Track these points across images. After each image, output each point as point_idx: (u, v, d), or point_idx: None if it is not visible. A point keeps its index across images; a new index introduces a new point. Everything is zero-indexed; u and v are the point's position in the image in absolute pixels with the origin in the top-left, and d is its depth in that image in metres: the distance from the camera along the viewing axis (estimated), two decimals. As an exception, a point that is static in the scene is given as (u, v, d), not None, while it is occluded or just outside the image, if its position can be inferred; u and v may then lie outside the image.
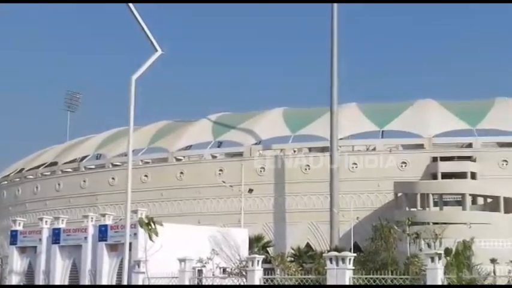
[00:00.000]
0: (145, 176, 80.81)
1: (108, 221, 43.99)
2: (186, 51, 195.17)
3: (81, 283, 42.85)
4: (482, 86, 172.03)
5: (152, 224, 37.61)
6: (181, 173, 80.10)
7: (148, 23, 37.54)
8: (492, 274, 43.68)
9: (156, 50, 37.41)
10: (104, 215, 44.85)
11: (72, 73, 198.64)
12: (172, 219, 63.51)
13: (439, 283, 27.86)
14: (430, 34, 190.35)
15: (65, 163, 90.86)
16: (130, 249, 37.15)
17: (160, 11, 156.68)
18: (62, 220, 46.27)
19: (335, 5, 68.48)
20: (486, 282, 31.71)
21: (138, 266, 37.28)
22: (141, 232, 38.20)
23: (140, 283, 36.70)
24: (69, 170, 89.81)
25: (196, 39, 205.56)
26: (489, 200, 70.58)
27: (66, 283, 43.98)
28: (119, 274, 40.63)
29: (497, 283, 31.85)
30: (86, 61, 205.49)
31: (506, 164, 71.71)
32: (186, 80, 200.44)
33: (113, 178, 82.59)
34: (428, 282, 27.97)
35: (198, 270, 36.70)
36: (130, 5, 36.72)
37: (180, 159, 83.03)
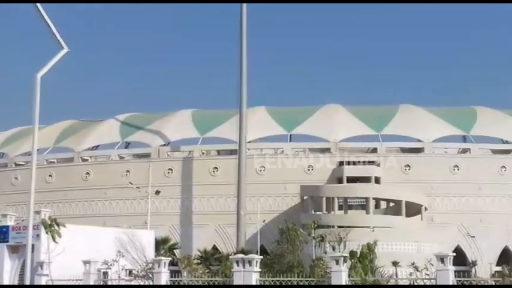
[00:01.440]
0: (50, 176, 79.15)
1: (10, 222, 42.98)
2: (94, 50, 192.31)
3: (-19, 285, 41.67)
4: (387, 92, 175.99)
5: (55, 225, 37.05)
6: (87, 173, 78.85)
7: (55, 21, 36.92)
8: (394, 276, 44.79)
9: (62, 48, 36.89)
10: (5, 216, 43.76)
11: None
12: (77, 221, 62.52)
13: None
14: (337, 37, 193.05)
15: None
16: (32, 251, 36.42)
17: (67, 9, 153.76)
18: (-39, 221, 44.84)
19: (244, 5, 68.02)
20: (389, 284, 32.40)
21: (41, 268, 36.52)
22: (44, 233, 37.56)
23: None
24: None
25: (104, 38, 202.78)
26: (392, 204, 72.31)
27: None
28: (21, 276, 39.75)
29: (399, 284, 32.61)
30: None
31: (409, 169, 73.78)
32: (93, 79, 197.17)
33: (15, 178, 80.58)
34: (333, 284, 28.40)
35: (103, 272, 36.23)
36: (38, 4, 36.16)
37: (86, 160, 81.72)
